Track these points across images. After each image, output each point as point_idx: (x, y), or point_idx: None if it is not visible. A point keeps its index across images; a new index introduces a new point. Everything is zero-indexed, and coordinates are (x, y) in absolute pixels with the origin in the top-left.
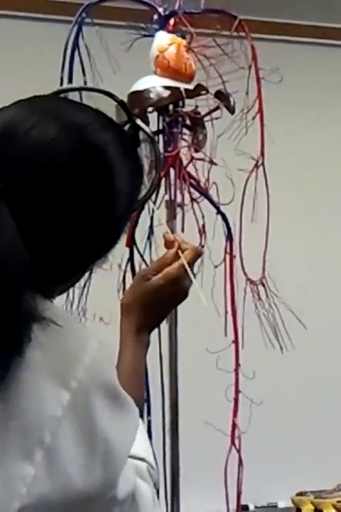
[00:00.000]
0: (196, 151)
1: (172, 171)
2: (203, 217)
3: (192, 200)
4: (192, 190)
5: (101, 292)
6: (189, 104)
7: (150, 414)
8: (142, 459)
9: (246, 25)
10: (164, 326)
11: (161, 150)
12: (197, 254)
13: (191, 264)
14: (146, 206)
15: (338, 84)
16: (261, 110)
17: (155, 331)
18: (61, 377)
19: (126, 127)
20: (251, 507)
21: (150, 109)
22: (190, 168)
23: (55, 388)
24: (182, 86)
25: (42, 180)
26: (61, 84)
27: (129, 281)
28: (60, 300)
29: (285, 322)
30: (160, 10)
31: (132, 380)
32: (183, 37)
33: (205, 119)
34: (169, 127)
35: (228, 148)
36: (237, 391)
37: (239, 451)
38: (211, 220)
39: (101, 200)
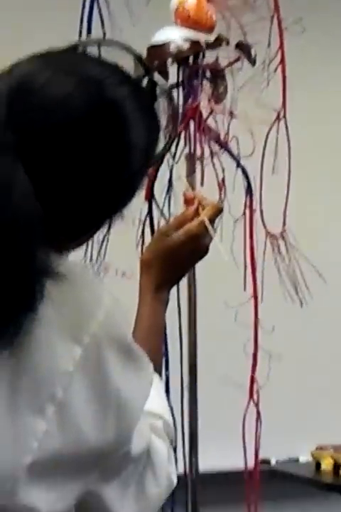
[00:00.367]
0: (216, 103)
1: (192, 124)
2: (223, 170)
3: (212, 153)
4: (212, 143)
5: (121, 247)
6: (209, 56)
7: (168, 370)
8: (158, 416)
9: None
10: (183, 280)
11: (181, 103)
12: (218, 211)
13: (212, 220)
14: (165, 160)
15: None
16: (283, 62)
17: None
18: (74, 333)
19: (144, 81)
20: (273, 461)
21: (169, 61)
22: (210, 121)
23: (67, 344)
24: (203, 37)
25: (57, 134)
26: (80, 37)
27: (148, 236)
28: (77, 255)
29: (305, 276)
30: None
31: (150, 337)
32: None
33: (226, 70)
34: (189, 79)
35: (249, 101)
36: (256, 345)
37: (257, 405)
38: (231, 173)
39: (117, 155)
